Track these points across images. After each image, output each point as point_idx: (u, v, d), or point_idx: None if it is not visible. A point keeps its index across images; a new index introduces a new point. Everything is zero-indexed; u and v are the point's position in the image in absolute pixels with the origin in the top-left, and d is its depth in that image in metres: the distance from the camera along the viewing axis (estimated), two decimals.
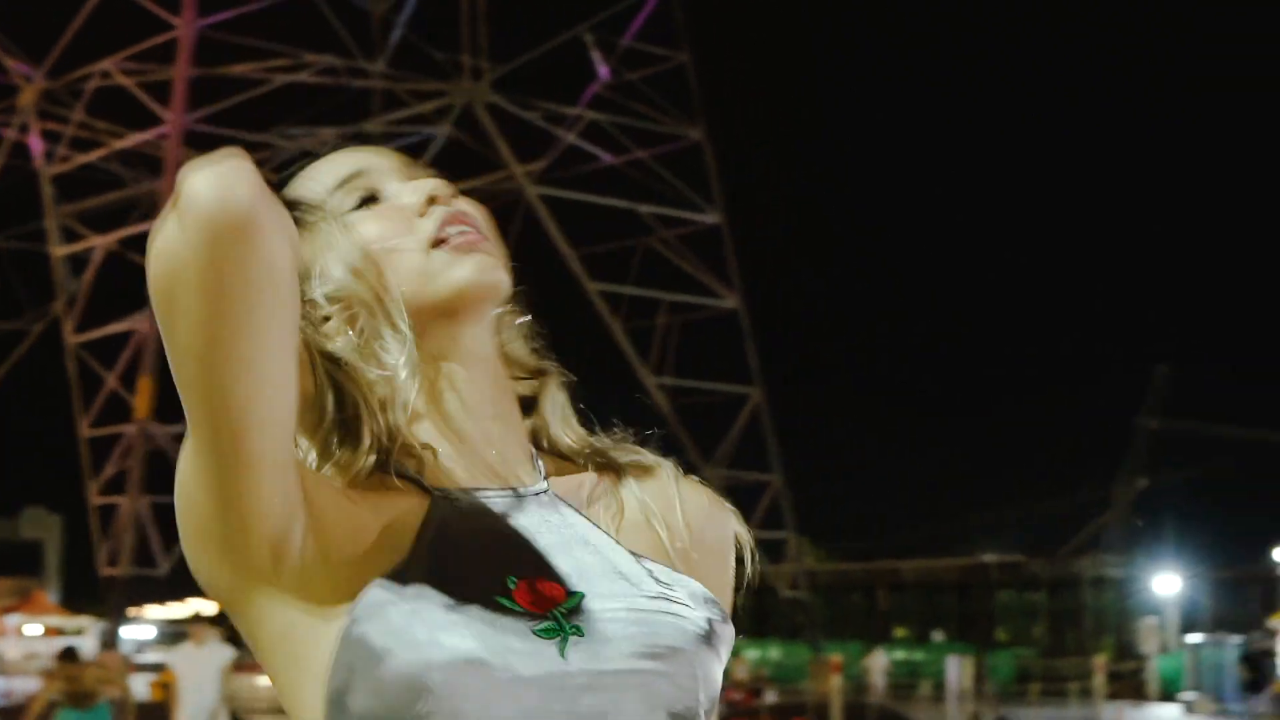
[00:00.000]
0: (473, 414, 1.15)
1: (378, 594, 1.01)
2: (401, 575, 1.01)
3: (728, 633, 1.12)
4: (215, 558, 1.05)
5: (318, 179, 1.22)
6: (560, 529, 1.13)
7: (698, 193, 42.27)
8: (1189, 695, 32.38)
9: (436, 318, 1.14)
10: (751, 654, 36.55)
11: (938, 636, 43.73)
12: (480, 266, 1.15)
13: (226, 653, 11.27)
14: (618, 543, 1.14)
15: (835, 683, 24.24)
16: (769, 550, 41.09)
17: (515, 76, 41.37)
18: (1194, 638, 36.25)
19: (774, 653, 40.41)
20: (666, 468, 1.25)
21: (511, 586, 1.04)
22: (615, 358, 38.98)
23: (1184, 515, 45.35)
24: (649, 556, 1.14)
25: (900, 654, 40.62)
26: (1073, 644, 43.38)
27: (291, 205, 1.13)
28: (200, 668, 11.00)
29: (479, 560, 1.05)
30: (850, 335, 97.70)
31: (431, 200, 1.17)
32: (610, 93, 40.71)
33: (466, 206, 1.20)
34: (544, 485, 1.17)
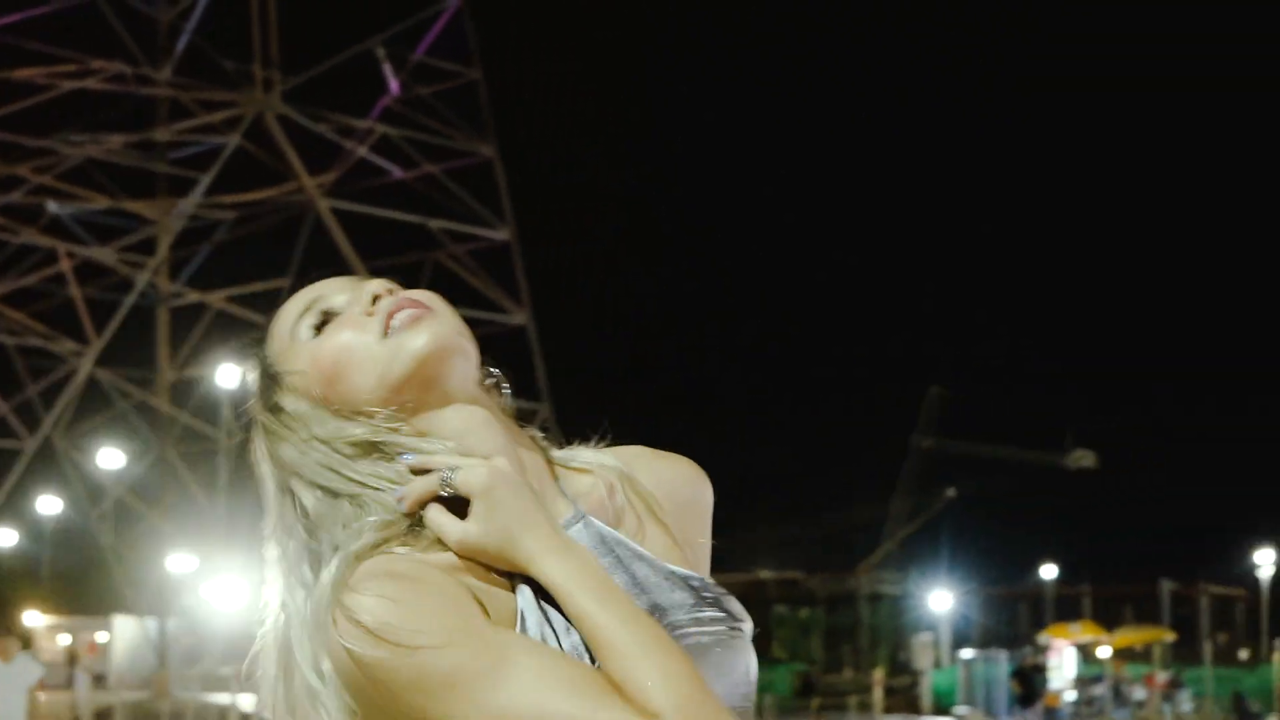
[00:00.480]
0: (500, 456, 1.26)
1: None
2: (522, 626, 1.18)
3: (749, 622, 1.28)
4: None
5: (282, 320, 1.35)
6: (608, 548, 1.25)
7: (489, 209, 43.28)
8: (962, 709, 33.30)
9: (419, 391, 1.26)
10: None
11: None
12: (432, 333, 1.26)
13: (35, 670, 11.32)
14: (646, 552, 1.27)
15: None
16: None
17: (306, 88, 42.07)
18: (967, 653, 37.36)
19: None
20: (643, 455, 1.41)
21: None
22: None
23: (957, 533, 46.90)
24: (669, 557, 1.28)
25: None
26: (849, 659, 44.42)
27: (271, 406, 1.32)
28: (6, 685, 10.86)
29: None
30: (679, 336, 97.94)
31: (375, 299, 1.29)
32: (403, 107, 41.78)
33: (414, 294, 1.31)
34: (580, 510, 1.28)
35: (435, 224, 41.21)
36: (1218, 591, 46.81)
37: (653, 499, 1.34)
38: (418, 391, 1.26)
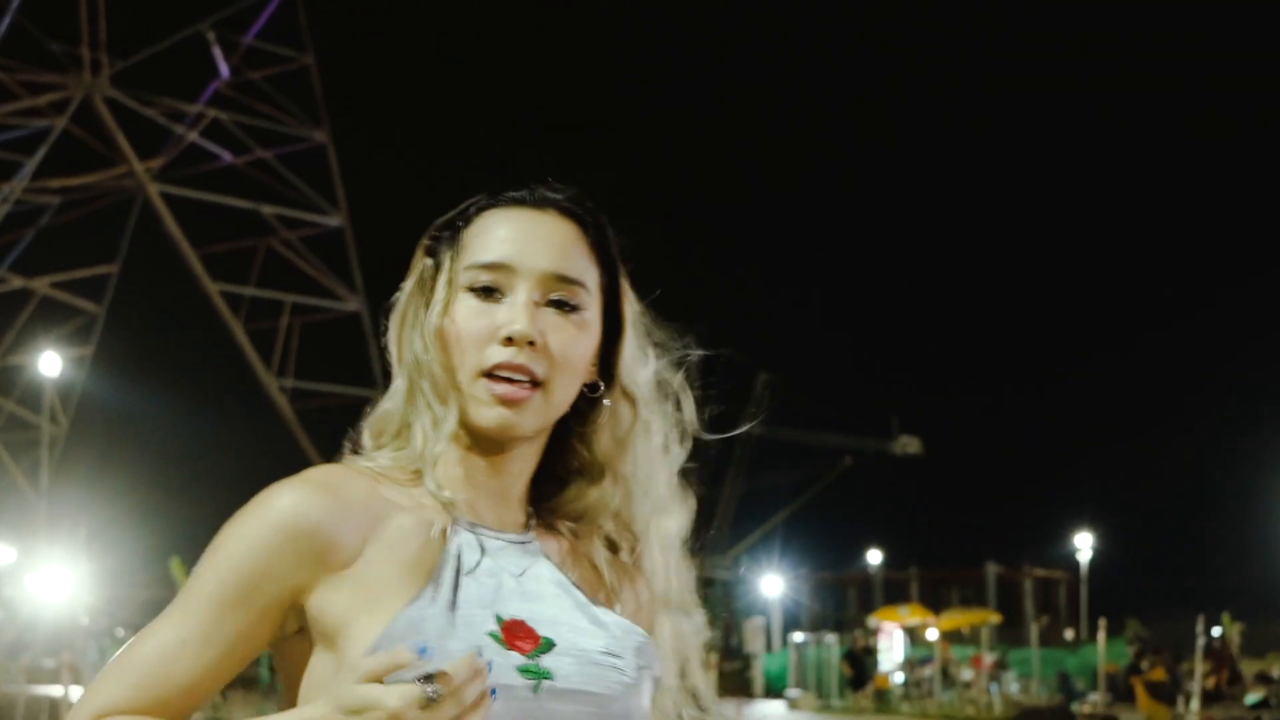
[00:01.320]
0: (487, 472, 1.42)
1: (399, 626, 1.27)
2: (421, 604, 1.29)
3: (655, 665, 1.43)
4: None
5: (484, 241, 1.43)
6: (539, 575, 1.40)
7: (322, 195, 43.65)
8: (794, 692, 33.75)
9: (470, 432, 1.43)
10: None
11: None
12: (501, 421, 1.39)
13: None
14: (579, 588, 1.41)
15: None
16: None
17: (136, 71, 41.67)
18: (798, 637, 37.94)
19: None
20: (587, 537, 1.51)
21: (498, 624, 1.31)
22: (236, 359, 40.23)
23: (787, 520, 47.39)
24: (598, 597, 1.43)
25: None
26: None
27: (443, 229, 1.47)
28: None
29: (478, 596, 1.32)
30: None
31: (509, 341, 1.38)
32: (235, 92, 41.65)
33: (557, 343, 1.40)
34: (531, 537, 1.44)
35: (267, 210, 41.12)
36: (1041, 574, 48.41)
37: (598, 555, 1.50)
38: (470, 432, 1.42)
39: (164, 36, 40.18)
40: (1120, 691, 30.03)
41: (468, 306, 1.41)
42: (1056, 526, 44.52)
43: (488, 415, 1.39)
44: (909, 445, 47.14)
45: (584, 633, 1.39)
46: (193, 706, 1.34)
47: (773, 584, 42.62)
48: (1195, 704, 24.75)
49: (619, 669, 1.39)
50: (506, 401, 1.38)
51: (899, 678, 34.28)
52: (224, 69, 40.46)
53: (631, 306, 1.51)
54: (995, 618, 41.30)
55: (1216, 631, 33.16)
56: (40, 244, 41.55)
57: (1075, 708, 28.94)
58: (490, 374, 1.39)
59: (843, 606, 47.74)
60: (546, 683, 1.31)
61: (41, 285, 39.75)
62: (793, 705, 33.45)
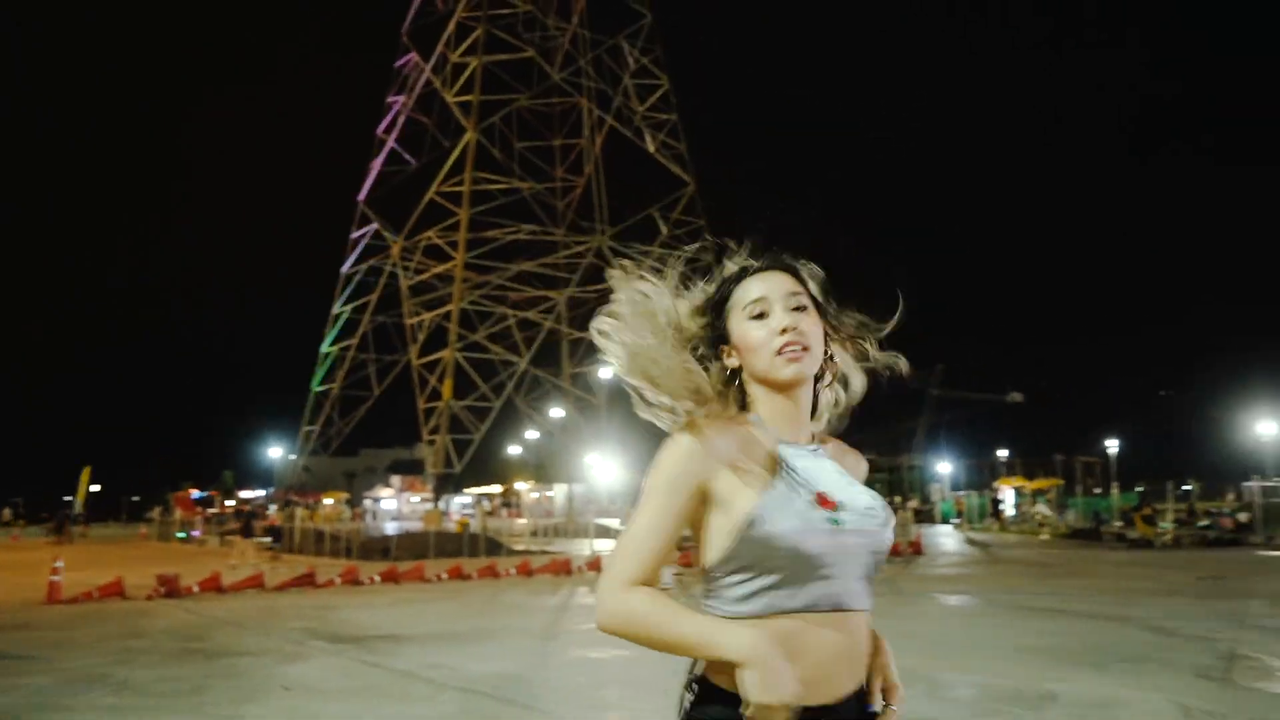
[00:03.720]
0: (788, 409, 2.28)
1: (759, 507, 2.11)
2: (772, 493, 2.13)
3: (893, 519, 2.24)
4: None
5: (748, 287, 2.32)
6: (826, 468, 2.25)
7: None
8: (956, 520, 52.75)
9: (774, 388, 2.27)
10: None
11: None
12: (795, 373, 2.23)
13: None
14: (846, 474, 2.29)
15: None
16: None
17: (622, 233, 67.67)
18: (958, 492, 58.62)
19: None
20: (836, 444, 2.41)
21: (814, 495, 2.13)
22: None
23: (953, 432, 73.85)
24: (859, 482, 2.31)
25: None
26: None
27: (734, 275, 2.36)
28: None
29: (803, 482, 2.16)
30: None
31: (783, 330, 2.23)
32: (673, 241, 62.95)
33: (805, 327, 2.26)
34: (818, 446, 2.29)
35: None
36: (1084, 459, 64.71)
37: (846, 461, 2.38)
38: (774, 388, 2.27)
39: (632, 215, 67.86)
40: (1128, 521, 38.24)
41: (753, 323, 2.27)
42: (1093, 432, 64.49)
43: (784, 373, 2.23)
44: (1016, 396, 77.07)
45: (857, 497, 2.20)
46: (665, 564, 2.14)
47: (944, 466, 65.55)
48: (1168, 525, 36.15)
49: (876, 515, 2.20)
50: (793, 360, 2.22)
51: (1011, 513, 50.13)
52: (663, 230, 66.57)
53: (832, 311, 2.37)
54: (1059, 482, 54.96)
55: (1187, 488, 50.55)
56: (576, 313, 68.91)
57: (1103, 529, 39.55)
58: (779, 351, 2.22)
59: (980, 476, 66.66)
60: (841, 526, 2.12)
61: (580, 334, 65.66)
62: (956, 527, 49.22)
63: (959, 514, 55.63)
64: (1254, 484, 39.61)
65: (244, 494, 73.29)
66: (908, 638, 12.58)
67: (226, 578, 21.71)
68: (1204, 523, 37.01)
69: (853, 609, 2.12)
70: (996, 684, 9.70)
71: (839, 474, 2.23)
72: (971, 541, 39.76)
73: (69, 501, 67.68)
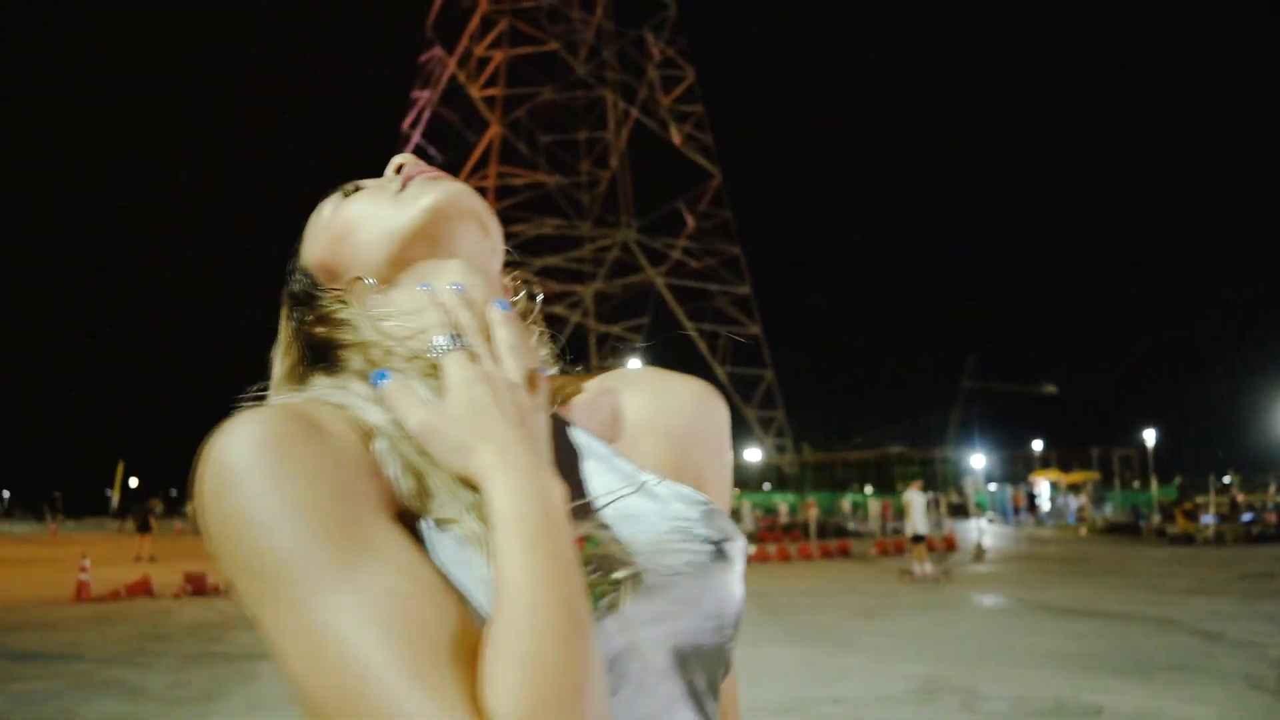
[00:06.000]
0: None
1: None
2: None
3: (739, 540, 1.08)
4: None
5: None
6: (574, 446, 1.12)
7: (741, 312, 72.77)
8: (991, 513, 55.38)
9: (425, 248, 1.15)
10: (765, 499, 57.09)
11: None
12: (445, 190, 1.16)
13: None
14: (620, 455, 1.12)
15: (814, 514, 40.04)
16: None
17: (647, 226, 73.65)
18: (991, 485, 60.35)
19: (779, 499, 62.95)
20: (651, 376, 1.25)
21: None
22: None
23: (985, 424, 76.62)
24: (650, 468, 1.12)
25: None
26: None
27: None
28: None
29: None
30: None
31: (398, 169, 1.22)
32: (700, 234, 71.22)
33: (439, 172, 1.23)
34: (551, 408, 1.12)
35: (713, 287, 72.33)
36: (1121, 453, 68.45)
37: (644, 415, 1.19)
38: (424, 249, 1.15)
39: (658, 208, 70.19)
40: (1168, 515, 38.77)
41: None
42: (1131, 425, 68.32)
43: (425, 197, 1.15)
44: (1049, 388, 77.10)
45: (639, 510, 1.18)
46: None
47: (978, 459, 65.04)
48: (1210, 519, 35.29)
49: (693, 544, 1.15)
50: (434, 181, 1.21)
51: (1046, 506, 52.79)
52: (689, 222, 69.29)
53: None
54: (1096, 475, 57.46)
55: (1227, 480, 52.19)
56: (602, 307, 70.90)
57: (1142, 525, 39.40)
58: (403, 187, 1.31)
59: (1015, 468, 70.68)
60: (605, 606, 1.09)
61: (607, 328, 69.17)
62: (990, 520, 52.91)
63: (991, 506, 57.40)
64: None
65: None
66: (941, 642, 12.35)
67: None
68: (1248, 517, 36.84)
69: None
70: (1036, 695, 9.38)
71: (595, 453, 1.15)
72: (1005, 537, 39.95)
73: (139, 494, 66.69)
